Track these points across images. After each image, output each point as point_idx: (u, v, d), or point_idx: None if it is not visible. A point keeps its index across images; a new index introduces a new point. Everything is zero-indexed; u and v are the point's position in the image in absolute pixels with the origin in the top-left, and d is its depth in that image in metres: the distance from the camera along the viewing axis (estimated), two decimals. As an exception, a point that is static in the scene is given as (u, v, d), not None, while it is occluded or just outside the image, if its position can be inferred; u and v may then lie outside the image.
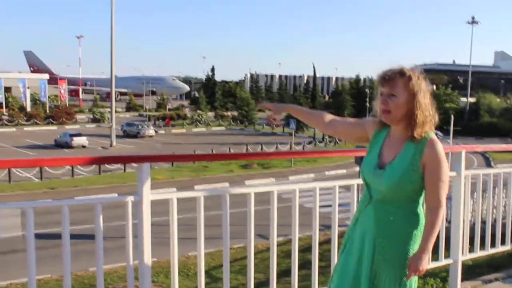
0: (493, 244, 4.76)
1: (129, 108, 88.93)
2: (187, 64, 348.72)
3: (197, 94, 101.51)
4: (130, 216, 2.85)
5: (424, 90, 2.54)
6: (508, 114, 69.23)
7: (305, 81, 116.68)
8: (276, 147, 45.11)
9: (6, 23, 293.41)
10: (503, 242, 4.88)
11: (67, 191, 27.23)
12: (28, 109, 70.77)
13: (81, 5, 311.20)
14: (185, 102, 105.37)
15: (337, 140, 47.43)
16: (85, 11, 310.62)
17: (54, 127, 61.41)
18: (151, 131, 56.77)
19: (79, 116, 70.90)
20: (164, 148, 46.22)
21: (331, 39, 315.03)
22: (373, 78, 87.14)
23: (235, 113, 76.36)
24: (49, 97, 78.34)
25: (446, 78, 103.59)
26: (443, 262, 4.27)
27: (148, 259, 2.88)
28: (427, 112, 2.53)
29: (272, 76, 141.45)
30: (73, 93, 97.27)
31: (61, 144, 46.11)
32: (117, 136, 50.02)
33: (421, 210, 2.60)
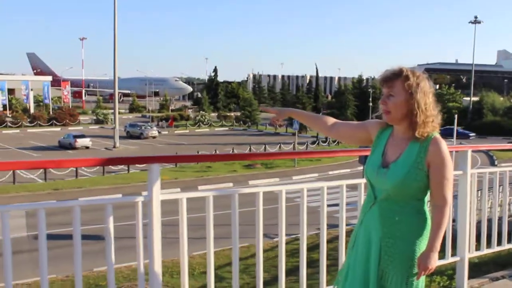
0: (499, 242, 4.78)
1: (132, 109, 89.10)
2: (190, 65, 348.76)
3: (199, 95, 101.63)
4: (140, 217, 2.87)
5: (424, 90, 2.54)
6: (511, 112, 69.07)
7: (307, 81, 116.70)
8: (280, 147, 45.11)
9: (9, 25, 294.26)
10: (509, 240, 4.91)
11: (71, 192, 27.27)
12: (32, 111, 71.03)
13: (84, 7, 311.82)
14: (188, 103, 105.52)
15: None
16: (88, 13, 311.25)
17: (57, 129, 61.56)
18: (154, 132, 56.83)
19: (82, 118, 71.06)
20: (168, 149, 46.26)
21: (333, 39, 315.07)
22: (376, 78, 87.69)
23: (238, 114, 76.43)
24: (52, 99, 78.65)
25: (449, 77, 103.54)
26: (449, 259, 4.29)
27: (158, 258, 2.91)
28: (428, 112, 2.53)
29: (274, 76, 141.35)
30: (76, 95, 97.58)
31: (65, 146, 46.24)
32: (120, 137, 50.10)
33: (427, 209, 2.61)
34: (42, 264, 2.68)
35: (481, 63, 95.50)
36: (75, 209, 2.75)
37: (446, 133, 59.05)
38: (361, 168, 30.75)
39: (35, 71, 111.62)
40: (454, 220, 4.37)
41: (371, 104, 70.56)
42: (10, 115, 66.09)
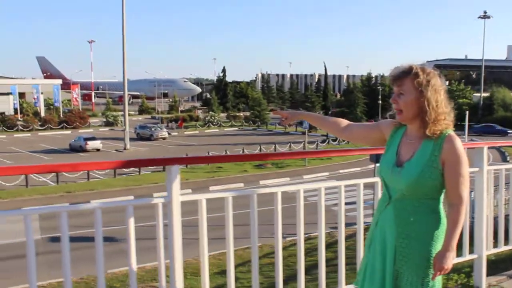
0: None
1: (141, 111, 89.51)
2: (198, 65, 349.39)
3: (208, 96, 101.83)
4: (161, 218, 2.89)
5: (435, 87, 2.51)
6: (522, 107, 68.59)
7: (316, 80, 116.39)
8: (290, 147, 45.09)
9: (19, 30, 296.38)
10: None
11: (83, 195, 27.45)
12: (42, 114, 71.59)
13: (92, 10, 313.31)
14: (197, 104, 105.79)
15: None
16: (96, 15, 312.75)
17: (68, 132, 62.02)
18: (164, 133, 57.03)
19: (92, 120, 71.53)
20: (178, 150, 46.38)
21: (341, 37, 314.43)
22: (385, 76, 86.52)
23: (247, 114, 76.49)
24: (62, 102, 79.18)
25: (458, 73, 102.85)
26: (467, 257, 4.27)
27: (179, 259, 2.93)
28: (440, 109, 2.50)
29: (283, 76, 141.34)
30: (86, 98, 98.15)
31: (76, 148, 46.51)
32: (131, 139, 50.33)
33: (442, 208, 2.58)
34: (65, 266, 2.71)
35: (491, 58, 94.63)
36: (96, 212, 2.78)
37: (486, 131, 58.55)
38: (371, 166, 30.68)
39: (45, 74, 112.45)
40: (472, 218, 4.35)
41: (380, 102, 70.38)
42: (21, 119, 66.66)
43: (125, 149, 48.06)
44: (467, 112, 33.89)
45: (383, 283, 2.60)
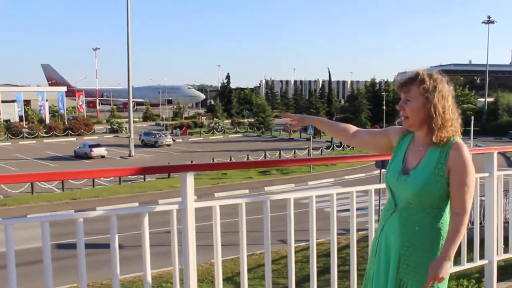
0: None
1: (146, 118, 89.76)
2: (202, 72, 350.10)
3: (213, 102, 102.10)
4: (175, 224, 2.92)
5: (442, 93, 2.48)
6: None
7: (320, 86, 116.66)
8: (294, 153, 45.07)
9: (24, 38, 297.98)
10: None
11: (89, 201, 27.48)
12: (47, 121, 71.86)
13: (96, 18, 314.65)
14: (201, 110, 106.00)
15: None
16: (100, 23, 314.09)
17: (73, 139, 62.22)
18: (168, 140, 57.13)
19: (97, 127, 71.73)
20: (183, 156, 46.43)
21: (345, 43, 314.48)
22: (389, 81, 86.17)
23: (252, 120, 76.57)
24: (67, 109, 79.53)
25: (462, 79, 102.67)
26: (478, 262, 4.26)
27: (193, 265, 2.95)
28: (447, 115, 2.47)
29: (287, 82, 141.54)
30: (91, 105, 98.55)
31: (81, 155, 46.64)
32: (135, 146, 50.40)
33: (448, 218, 2.54)
34: (81, 272, 2.74)
35: (495, 63, 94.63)
36: (112, 218, 2.81)
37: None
38: (376, 172, 30.63)
39: (49, 82, 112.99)
40: (481, 223, 4.35)
41: (384, 107, 70.35)
42: (26, 126, 66.96)
43: (130, 156, 48.15)
44: (472, 118, 33.80)
45: None
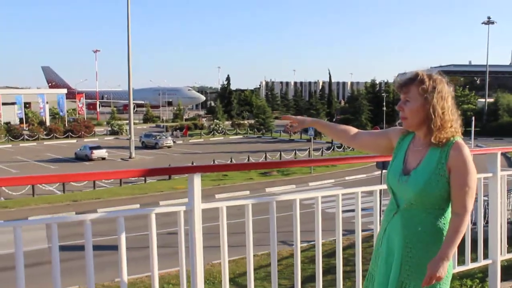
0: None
1: (146, 120, 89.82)
2: (202, 74, 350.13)
3: (213, 104, 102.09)
4: (182, 225, 2.93)
5: (441, 94, 2.48)
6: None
7: (320, 87, 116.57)
8: (295, 154, 45.09)
9: (24, 40, 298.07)
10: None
11: (90, 203, 27.50)
12: (48, 123, 71.90)
13: (97, 20, 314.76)
14: (202, 112, 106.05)
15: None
16: (100, 25, 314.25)
17: (73, 141, 62.24)
18: (169, 142, 57.14)
19: (97, 129, 71.73)
20: (183, 158, 46.44)
21: (345, 44, 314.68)
22: (389, 82, 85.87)
23: (252, 121, 76.59)
24: (67, 111, 79.57)
25: (462, 79, 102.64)
26: (482, 262, 4.27)
27: (200, 266, 2.96)
28: (446, 116, 2.47)
29: (287, 83, 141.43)
30: (91, 107, 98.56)
31: (81, 157, 46.67)
32: (136, 148, 50.43)
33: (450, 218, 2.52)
34: (89, 273, 2.75)
35: (495, 64, 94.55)
36: (119, 220, 2.82)
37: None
38: (377, 173, 30.64)
39: (50, 84, 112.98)
40: (487, 222, 4.36)
41: (385, 108, 70.33)
42: (27, 128, 66.94)
43: (130, 157, 48.17)
44: (473, 118, 33.79)
45: None
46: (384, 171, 25.47)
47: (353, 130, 2.94)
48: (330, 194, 3.55)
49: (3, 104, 71.09)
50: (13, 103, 72.17)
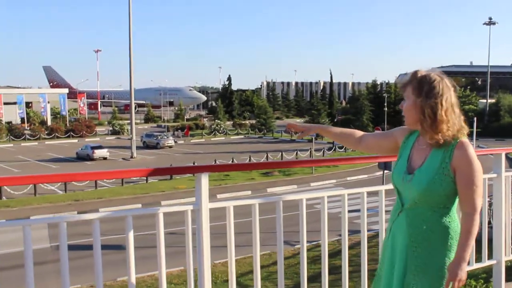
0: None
1: (147, 120, 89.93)
2: (204, 74, 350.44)
3: (214, 104, 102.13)
4: (189, 225, 2.94)
5: (433, 93, 2.45)
6: (529, 114, 68.27)
7: (321, 87, 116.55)
8: (296, 154, 45.10)
9: (26, 40, 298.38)
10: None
11: (92, 203, 27.52)
12: (49, 123, 72.05)
13: (98, 20, 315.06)
14: (203, 112, 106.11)
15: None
16: (102, 25, 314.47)
17: (74, 140, 62.35)
18: (170, 142, 57.17)
19: (98, 129, 71.87)
20: (185, 158, 46.48)
21: (346, 45, 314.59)
22: (390, 83, 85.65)
23: (253, 121, 76.63)
24: (68, 111, 79.70)
25: (463, 80, 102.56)
26: (486, 263, 4.28)
27: (207, 265, 2.97)
28: (439, 116, 2.43)
29: (288, 83, 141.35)
30: (92, 106, 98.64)
31: (83, 157, 46.75)
32: (137, 148, 50.46)
33: (456, 217, 2.53)
34: (98, 271, 2.77)
35: (497, 65, 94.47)
36: (127, 219, 2.84)
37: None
38: (378, 173, 30.66)
39: (51, 84, 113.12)
40: (489, 223, 4.37)
41: (386, 109, 70.30)
42: (28, 128, 67.06)
43: (131, 157, 48.20)
44: (475, 119, 33.80)
45: None
46: (386, 171, 25.52)
47: (358, 133, 2.94)
48: (336, 194, 3.56)
49: (5, 103, 71.19)
50: (14, 103, 72.30)
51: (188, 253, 2.95)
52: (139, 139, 56.53)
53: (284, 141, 62.56)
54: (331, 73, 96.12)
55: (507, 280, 4.55)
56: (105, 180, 32.56)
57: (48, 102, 74.57)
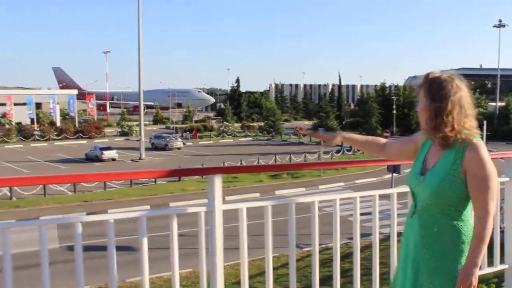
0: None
1: (156, 121, 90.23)
2: (212, 76, 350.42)
3: (222, 106, 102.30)
4: (203, 226, 2.96)
5: (441, 95, 2.45)
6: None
7: (330, 90, 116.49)
8: (305, 157, 45.05)
9: (36, 41, 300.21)
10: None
11: (101, 204, 27.63)
12: (58, 124, 72.45)
13: (107, 21, 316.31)
14: (211, 114, 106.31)
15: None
16: (111, 26, 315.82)
17: (84, 141, 62.61)
18: (179, 143, 57.21)
19: (107, 130, 72.17)
20: (193, 160, 46.55)
21: (354, 47, 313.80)
22: (399, 85, 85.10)
23: (262, 124, 76.62)
24: (78, 112, 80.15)
25: (473, 83, 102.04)
26: (498, 267, 4.26)
27: (220, 266, 2.99)
28: (445, 118, 2.42)
29: (296, 86, 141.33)
30: (101, 108, 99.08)
31: (92, 158, 46.93)
32: (146, 149, 50.55)
33: (469, 220, 2.50)
34: (112, 272, 2.79)
35: (507, 68, 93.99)
36: (141, 219, 2.86)
37: None
38: (387, 176, 30.51)
39: (60, 85, 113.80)
40: (501, 227, 4.35)
41: (395, 111, 70.07)
42: (37, 129, 67.46)
43: (140, 159, 48.30)
44: (484, 122, 33.61)
45: None
46: (395, 174, 25.44)
47: (382, 140, 2.96)
48: (348, 196, 3.57)
49: (15, 104, 71.78)
50: (24, 104, 72.83)
51: (202, 255, 2.97)
52: (148, 140, 56.68)
53: (292, 144, 62.47)
54: (339, 76, 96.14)
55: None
56: (113, 181, 32.68)
57: (58, 103, 75.02)
